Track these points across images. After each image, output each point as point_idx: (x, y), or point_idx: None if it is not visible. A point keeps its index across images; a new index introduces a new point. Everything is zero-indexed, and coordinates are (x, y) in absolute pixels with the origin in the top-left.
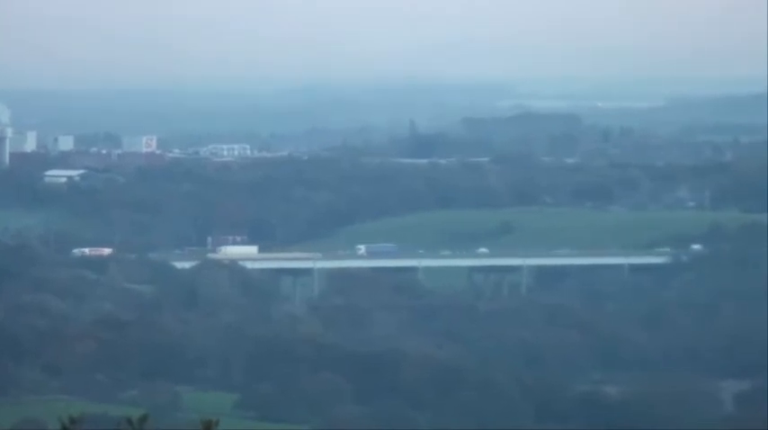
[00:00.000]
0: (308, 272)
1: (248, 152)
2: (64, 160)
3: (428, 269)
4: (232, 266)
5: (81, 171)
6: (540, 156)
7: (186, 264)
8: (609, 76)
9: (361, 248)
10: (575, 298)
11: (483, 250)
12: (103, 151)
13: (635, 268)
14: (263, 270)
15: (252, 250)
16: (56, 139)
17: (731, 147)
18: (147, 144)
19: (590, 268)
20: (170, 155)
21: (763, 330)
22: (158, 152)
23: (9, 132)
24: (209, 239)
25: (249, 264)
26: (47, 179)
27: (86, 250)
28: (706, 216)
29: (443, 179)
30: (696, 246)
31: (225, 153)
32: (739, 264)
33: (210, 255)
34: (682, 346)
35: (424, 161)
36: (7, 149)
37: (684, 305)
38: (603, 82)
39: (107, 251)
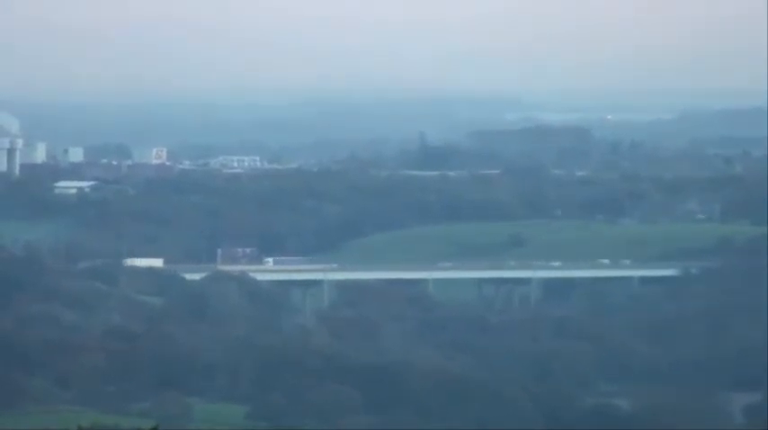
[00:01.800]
0: (318, 283)
1: (258, 164)
2: (74, 171)
3: (438, 281)
4: (242, 278)
5: (91, 182)
6: (550, 169)
7: (196, 276)
8: (618, 89)
9: (269, 261)
10: (584, 310)
11: (601, 262)
12: (113, 162)
13: (645, 280)
14: (273, 281)
15: (158, 261)
16: (66, 151)
17: (741, 159)
18: (157, 155)
19: (600, 280)
20: (180, 166)
21: None
22: (168, 164)
23: (19, 143)
24: (219, 251)
25: (259, 276)
26: (57, 190)
27: None
28: (716, 228)
29: (453, 191)
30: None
31: (235, 165)
32: (749, 276)
33: (220, 267)
34: (691, 358)
35: (434, 173)
36: (18, 160)
37: (694, 317)
38: (613, 95)
39: None
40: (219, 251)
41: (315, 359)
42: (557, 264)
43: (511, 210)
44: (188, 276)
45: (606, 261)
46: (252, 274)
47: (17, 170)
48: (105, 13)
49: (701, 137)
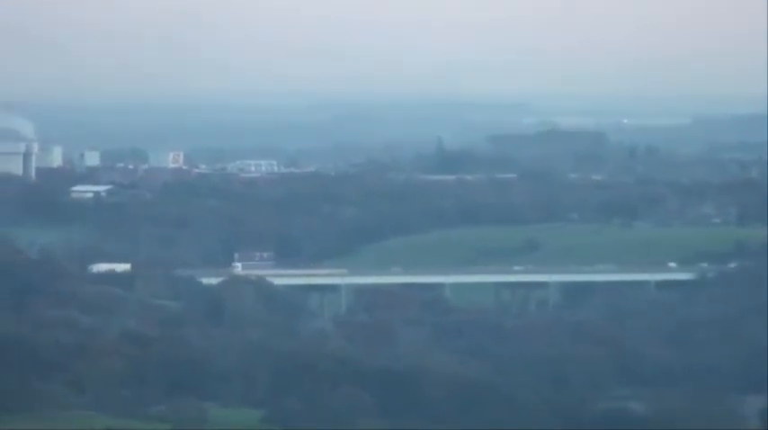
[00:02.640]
0: (335, 288)
1: (275, 168)
2: (90, 175)
3: (455, 285)
4: (258, 282)
5: (107, 186)
6: (567, 173)
7: (212, 280)
8: (635, 94)
9: (239, 266)
10: (601, 314)
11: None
12: (130, 166)
13: (661, 284)
14: (289, 286)
15: (126, 266)
16: (82, 155)
17: (757, 164)
18: (173, 159)
19: (616, 284)
20: (196, 170)
21: None
22: (185, 167)
23: (35, 148)
24: (236, 255)
25: (276, 281)
26: (73, 194)
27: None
28: (732, 233)
29: (470, 196)
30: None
31: (252, 169)
32: (765, 280)
33: (236, 272)
34: (707, 362)
35: (451, 178)
36: (34, 164)
37: (710, 321)
38: (629, 99)
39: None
40: (236, 255)
41: (331, 363)
42: (573, 268)
43: (527, 214)
44: (204, 280)
45: (622, 265)
46: (269, 279)
47: (33, 174)
48: (120, 16)
49: (717, 141)
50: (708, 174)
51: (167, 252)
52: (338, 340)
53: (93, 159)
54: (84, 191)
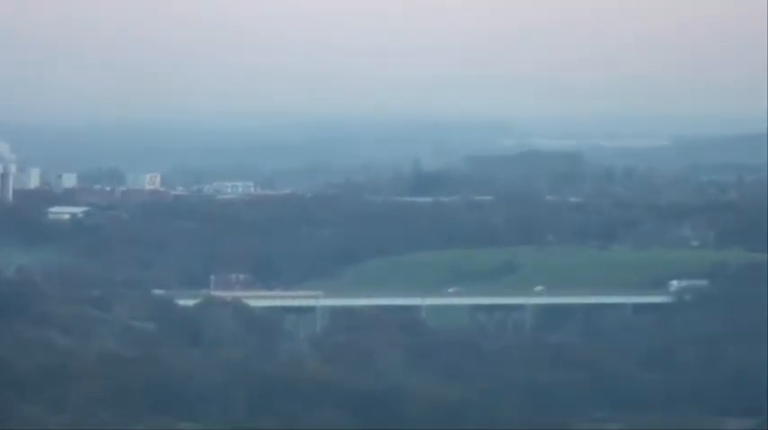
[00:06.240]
0: (311, 310)
1: (252, 189)
2: (67, 197)
3: (431, 307)
4: (235, 304)
5: (84, 208)
6: (544, 195)
7: (189, 302)
8: (613, 116)
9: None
10: (578, 336)
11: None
12: (107, 188)
13: (638, 307)
14: (266, 308)
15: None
16: (59, 176)
17: (735, 186)
18: (150, 181)
19: (593, 307)
20: (174, 192)
21: (766, 368)
22: (162, 189)
23: (13, 169)
24: (213, 277)
25: (253, 302)
26: (50, 216)
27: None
28: (709, 255)
29: (447, 217)
30: (700, 284)
31: (228, 190)
32: (743, 302)
33: (214, 293)
34: (685, 385)
35: (428, 199)
36: (11, 186)
37: (688, 344)
38: (608, 121)
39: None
40: (213, 277)
41: (308, 385)
42: (550, 290)
43: (504, 236)
44: (181, 302)
45: (599, 287)
46: (245, 300)
47: (10, 195)
48: (98, 37)
49: (695, 163)
50: (686, 197)
51: (145, 273)
52: (315, 362)
53: (70, 181)
54: (62, 212)
